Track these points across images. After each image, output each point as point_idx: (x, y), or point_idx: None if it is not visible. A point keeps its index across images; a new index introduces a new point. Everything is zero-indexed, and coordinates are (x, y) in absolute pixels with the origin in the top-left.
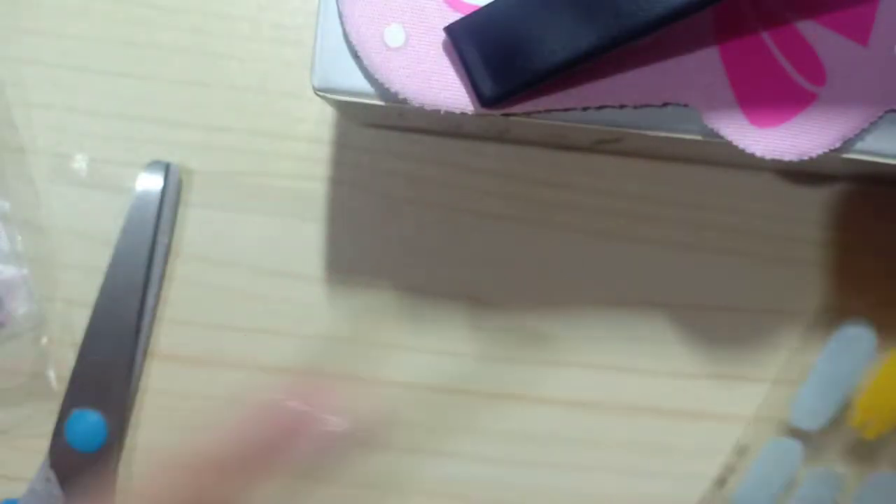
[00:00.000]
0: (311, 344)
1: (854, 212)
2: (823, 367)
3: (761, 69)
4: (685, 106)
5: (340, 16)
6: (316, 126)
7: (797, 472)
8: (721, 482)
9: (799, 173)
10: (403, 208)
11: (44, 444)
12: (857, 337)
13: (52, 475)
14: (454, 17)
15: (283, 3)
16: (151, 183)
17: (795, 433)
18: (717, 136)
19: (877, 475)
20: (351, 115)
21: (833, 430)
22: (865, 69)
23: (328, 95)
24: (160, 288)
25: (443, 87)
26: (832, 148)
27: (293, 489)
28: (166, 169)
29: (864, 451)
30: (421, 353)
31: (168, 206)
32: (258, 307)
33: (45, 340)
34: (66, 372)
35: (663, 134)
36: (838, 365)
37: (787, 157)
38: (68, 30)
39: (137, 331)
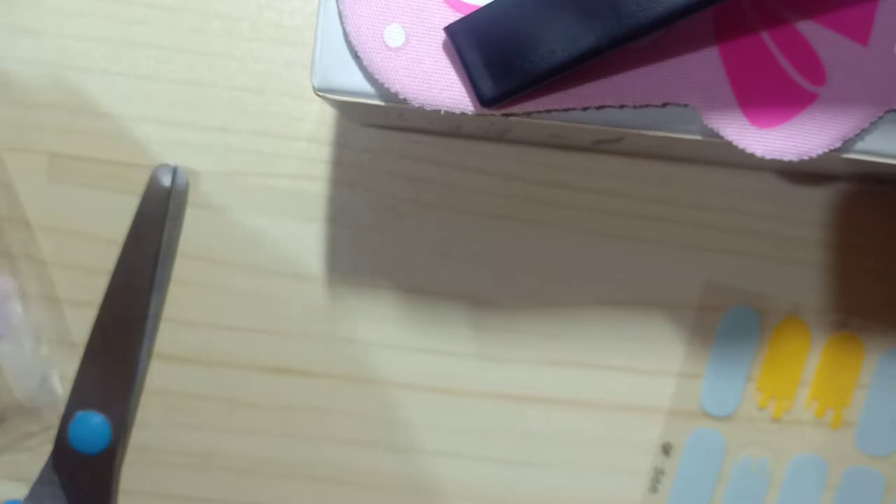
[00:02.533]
0: (311, 344)
1: (854, 212)
2: (718, 353)
3: (761, 69)
4: (685, 106)
5: (340, 16)
6: (316, 126)
7: (722, 463)
8: (653, 488)
9: (799, 173)
10: (403, 208)
11: (47, 445)
12: (741, 318)
13: (54, 477)
14: (454, 17)
15: (283, 3)
16: (159, 186)
17: (713, 422)
18: (717, 136)
19: (799, 458)
20: (351, 115)
21: (745, 415)
22: (865, 69)
23: (328, 95)
24: (165, 291)
25: (443, 87)
26: (832, 148)
27: (293, 490)
28: (174, 172)
29: (779, 432)
30: (421, 353)
31: (175, 209)
32: (258, 307)
33: (45, 344)
34: (69, 374)
35: (663, 134)
36: (730, 349)
37: (787, 157)
38: (68, 30)
39: (142, 334)
